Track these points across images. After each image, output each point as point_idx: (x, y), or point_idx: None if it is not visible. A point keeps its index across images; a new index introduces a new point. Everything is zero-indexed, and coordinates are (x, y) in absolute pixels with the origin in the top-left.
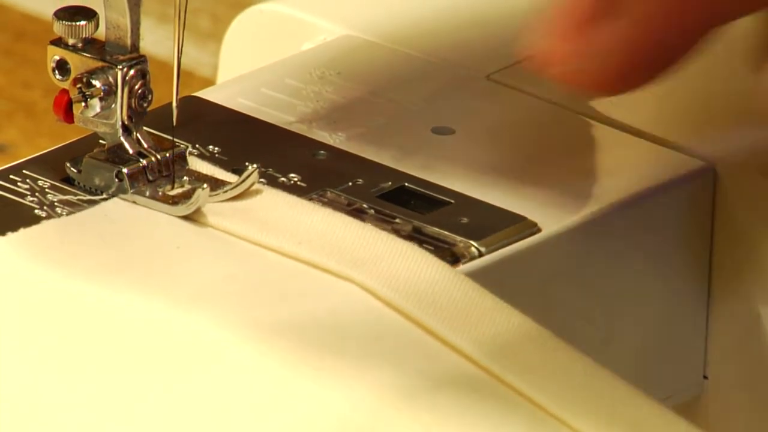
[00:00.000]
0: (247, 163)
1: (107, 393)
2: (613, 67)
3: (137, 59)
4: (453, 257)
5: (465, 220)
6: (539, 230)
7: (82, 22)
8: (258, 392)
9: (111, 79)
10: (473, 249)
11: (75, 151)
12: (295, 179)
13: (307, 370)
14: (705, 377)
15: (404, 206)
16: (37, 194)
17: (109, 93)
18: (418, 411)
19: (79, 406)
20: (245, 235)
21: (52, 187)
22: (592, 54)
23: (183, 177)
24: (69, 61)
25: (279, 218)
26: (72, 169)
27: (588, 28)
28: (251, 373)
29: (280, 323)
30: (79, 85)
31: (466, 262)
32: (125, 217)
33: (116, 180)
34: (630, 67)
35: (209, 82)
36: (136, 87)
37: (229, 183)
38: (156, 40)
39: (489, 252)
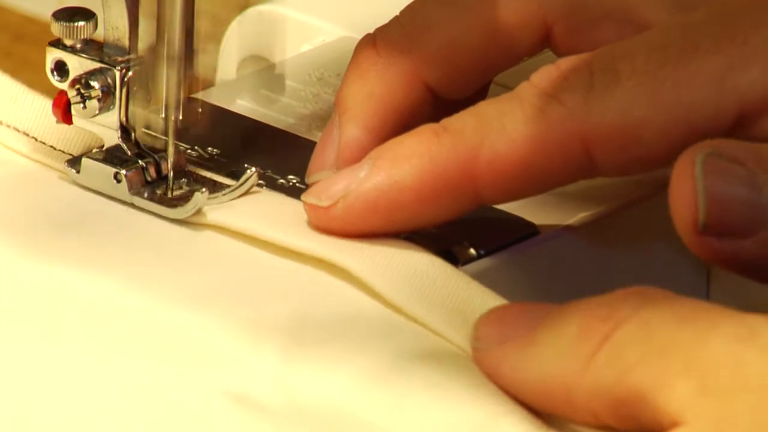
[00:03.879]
0: (245, 165)
1: (105, 392)
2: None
3: (135, 60)
4: (452, 259)
5: (463, 222)
6: (538, 232)
7: (81, 23)
8: (250, 385)
9: (109, 80)
10: (472, 251)
11: None
12: (294, 181)
13: (292, 362)
14: None
15: None
16: None
17: (107, 94)
18: (385, 391)
19: (77, 405)
20: (229, 225)
21: None
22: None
23: (181, 179)
24: (67, 62)
25: (264, 210)
26: (71, 169)
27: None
28: (247, 367)
29: (275, 320)
30: (77, 86)
31: (464, 264)
32: (123, 218)
33: (115, 181)
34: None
35: (208, 84)
36: (135, 88)
37: (228, 186)
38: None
39: (488, 254)
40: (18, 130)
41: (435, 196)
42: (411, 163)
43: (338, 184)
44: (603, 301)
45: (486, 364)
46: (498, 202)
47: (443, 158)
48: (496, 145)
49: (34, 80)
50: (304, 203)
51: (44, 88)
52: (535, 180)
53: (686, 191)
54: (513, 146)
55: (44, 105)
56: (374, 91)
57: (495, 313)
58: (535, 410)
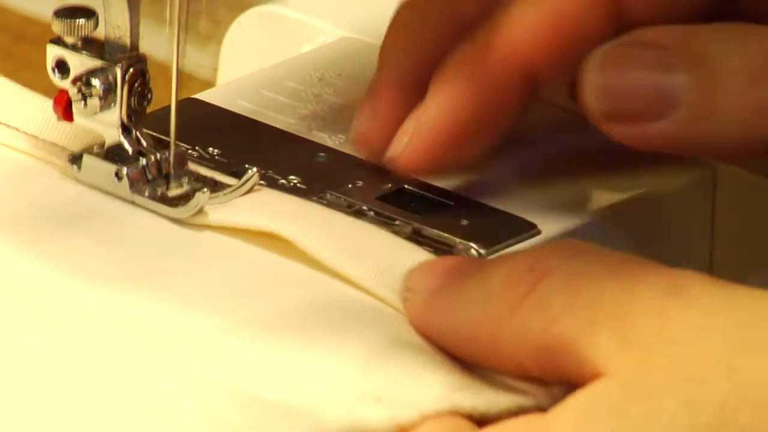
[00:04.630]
0: (246, 166)
1: (104, 389)
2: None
3: (136, 58)
4: None
5: (465, 222)
6: (539, 232)
7: (81, 21)
8: (251, 382)
9: (110, 78)
10: (473, 251)
11: None
12: (295, 181)
13: (290, 358)
14: None
15: (404, 208)
16: None
17: (108, 92)
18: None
19: (76, 403)
20: (230, 223)
21: None
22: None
23: (182, 177)
24: (68, 60)
25: (264, 205)
26: (72, 166)
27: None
28: (247, 364)
29: (274, 317)
30: (78, 84)
31: None
32: (123, 217)
33: (116, 179)
34: (435, 145)
35: (209, 84)
36: (136, 86)
37: (229, 185)
38: (155, 42)
39: (489, 254)
40: (19, 130)
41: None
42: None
43: (405, 126)
44: (532, 252)
45: (416, 315)
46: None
47: None
48: None
49: (34, 80)
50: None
51: (45, 88)
52: None
53: (589, 83)
54: None
55: (45, 105)
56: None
57: (426, 265)
58: (464, 362)
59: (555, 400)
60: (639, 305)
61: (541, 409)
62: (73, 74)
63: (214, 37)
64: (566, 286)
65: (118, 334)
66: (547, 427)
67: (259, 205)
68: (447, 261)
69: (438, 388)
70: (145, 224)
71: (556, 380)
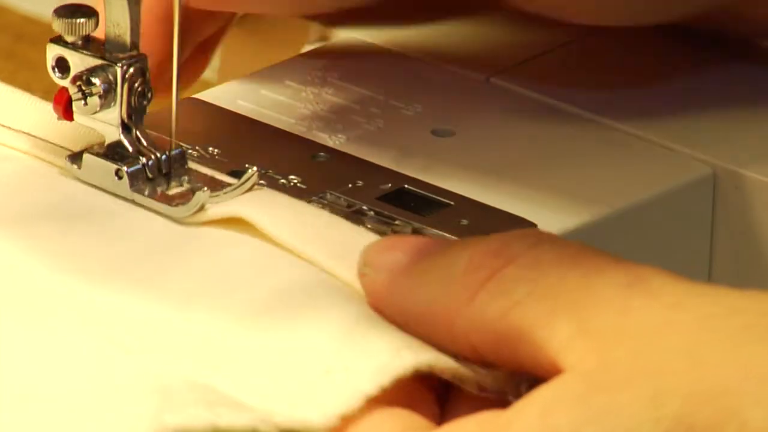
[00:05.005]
0: (246, 165)
1: (103, 385)
2: None
3: (137, 57)
4: None
5: (465, 221)
6: None
7: (82, 20)
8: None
9: (111, 77)
10: None
11: None
12: (295, 181)
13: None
14: None
15: (404, 208)
16: None
17: (108, 91)
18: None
19: (74, 399)
20: (228, 214)
21: None
22: None
23: (182, 176)
24: (68, 58)
25: (264, 202)
26: (72, 165)
27: None
28: (246, 359)
29: (262, 308)
30: (78, 83)
31: None
32: (123, 214)
33: (116, 177)
34: None
35: (209, 84)
36: (136, 85)
37: (229, 185)
38: None
39: None
40: (18, 130)
41: None
42: None
43: None
44: (497, 238)
45: (374, 291)
46: None
47: None
48: None
49: (34, 80)
50: None
51: (44, 87)
52: None
53: None
54: None
55: (45, 106)
56: None
57: (387, 241)
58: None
59: (497, 382)
60: (599, 296)
61: (481, 387)
62: (73, 72)
63: None
64: (528, 274)
65: (118, 332)
66: (509, 422)
67: (254, 203)
68: (410, 239)
69: (383, 355)
70: (144, 221)
71: (510, 367)
